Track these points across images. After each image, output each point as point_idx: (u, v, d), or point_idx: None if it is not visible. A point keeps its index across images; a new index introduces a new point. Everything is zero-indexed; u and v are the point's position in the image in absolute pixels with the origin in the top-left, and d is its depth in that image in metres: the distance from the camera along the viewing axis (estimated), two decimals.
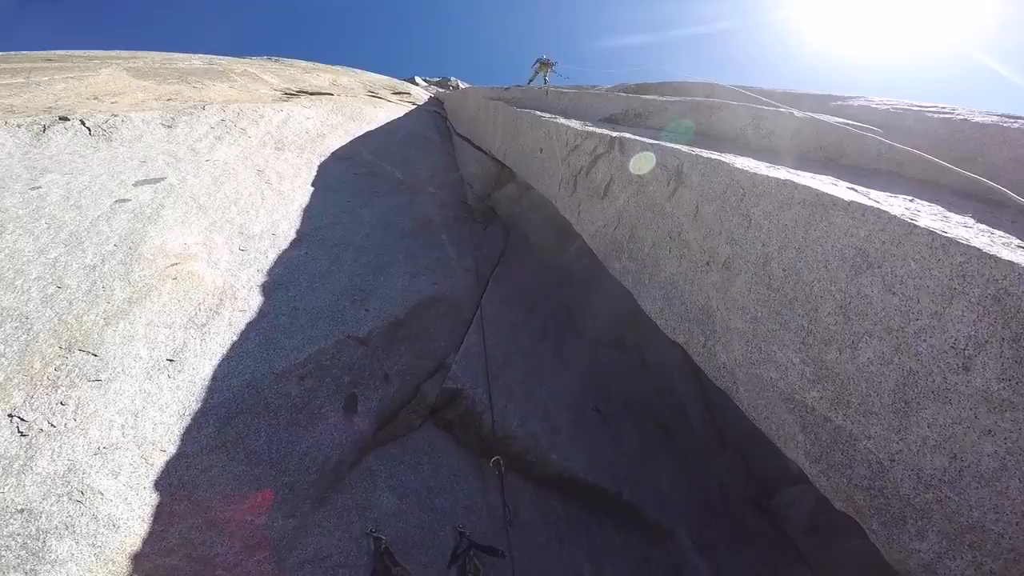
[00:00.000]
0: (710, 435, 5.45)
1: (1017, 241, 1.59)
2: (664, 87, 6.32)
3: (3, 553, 2.24)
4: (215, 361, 3.21)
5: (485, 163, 7.02)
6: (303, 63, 15.91)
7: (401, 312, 4.12)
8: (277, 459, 2.97)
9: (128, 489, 2.55)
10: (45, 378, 2.83)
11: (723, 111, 3.93)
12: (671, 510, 4.56)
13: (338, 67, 16.55)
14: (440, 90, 19.05)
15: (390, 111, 9.68)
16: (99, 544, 2.37)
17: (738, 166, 2.41)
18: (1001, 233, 1.68)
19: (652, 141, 3.25)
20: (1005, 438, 1.34)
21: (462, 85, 22.02)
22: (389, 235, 5.12)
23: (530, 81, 8.27)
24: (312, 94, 9.83)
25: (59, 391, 2.81)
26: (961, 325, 1.44)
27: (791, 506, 5.07)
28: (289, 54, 15.32)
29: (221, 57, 13.13)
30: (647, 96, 5.12)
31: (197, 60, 11.64)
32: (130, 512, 2.48)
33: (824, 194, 1.90)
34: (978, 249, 1.42)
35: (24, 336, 2.97)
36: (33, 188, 4.17)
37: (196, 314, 3.44)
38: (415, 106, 11.77)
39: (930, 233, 1.54)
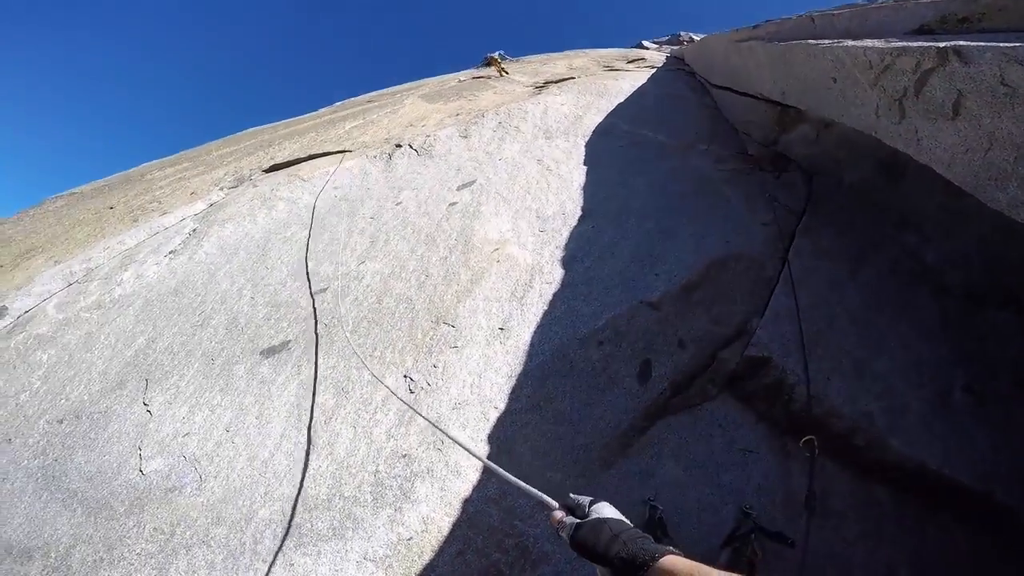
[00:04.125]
0: None
1: None
2: None
3: (385, 492, 2.72)
4: (532, 328, 3.68)
5: (758, 108, 6.18)
6: (535, 56, 17.07)
7: (693, 273, 3.99)
8: (576, 420, 3.19)
9: (470, 441, 2.97)
10: (424, 346, 3.62)
11: None
12: None
13: (568, 51, 17.13)
14: (673, 48, 17.77)
15: (631, 79, 9.49)
16: (445, 488, 2.75)
17: None
18: None
19: (1005, 44, 2.30)
20: None
21: (695, 38, 20.06)
22: (667, 199, 5.03)
23: None
24: (556, 82, 10.43)
25: (432, 356, 3.50)
26: None
27: None
28: (518, 54, 16.69)
29: (477, 69, 15.18)
30: None
31: (462, 76, 13.73)
32: (469, 461, 2.86)
33: None
34: None
35: (410, 314, 3.94)
36: (397, 204, 5.61)
37: (516, 289, 4.05)
38: (654, 69, 11.25)
39: None
